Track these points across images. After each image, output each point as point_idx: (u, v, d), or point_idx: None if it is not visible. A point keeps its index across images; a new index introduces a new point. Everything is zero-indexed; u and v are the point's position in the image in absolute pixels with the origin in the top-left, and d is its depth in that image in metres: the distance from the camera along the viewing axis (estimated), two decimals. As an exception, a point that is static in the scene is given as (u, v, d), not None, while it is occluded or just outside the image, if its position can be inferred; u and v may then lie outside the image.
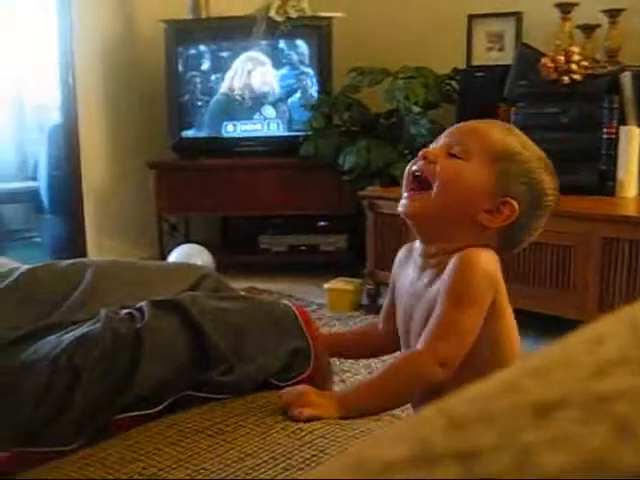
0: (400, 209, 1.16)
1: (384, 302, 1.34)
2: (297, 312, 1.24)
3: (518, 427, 0.22)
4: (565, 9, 3.09)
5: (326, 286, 3.22)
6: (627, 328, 0.28)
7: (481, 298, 1.07)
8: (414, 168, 1.15)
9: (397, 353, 1.25)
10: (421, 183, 1.14)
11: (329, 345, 1.30)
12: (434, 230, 1.15)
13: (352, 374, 2.42)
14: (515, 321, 1.17)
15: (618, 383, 0.22)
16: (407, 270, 1.22)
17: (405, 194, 1.16)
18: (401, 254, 1.28)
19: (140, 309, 1.18)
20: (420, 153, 1.15)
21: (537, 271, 2.66)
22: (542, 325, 2.82)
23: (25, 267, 1.46)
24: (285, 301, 1.29)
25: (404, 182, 1.18)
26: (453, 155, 1.12)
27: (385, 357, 1.51)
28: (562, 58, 2.84)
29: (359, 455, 0.23)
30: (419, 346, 1.07)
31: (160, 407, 1.06)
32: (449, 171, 1.12)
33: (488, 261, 1.10)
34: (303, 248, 3.78)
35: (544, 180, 1.14)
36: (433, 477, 0.21)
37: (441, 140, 1.16)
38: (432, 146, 1.18)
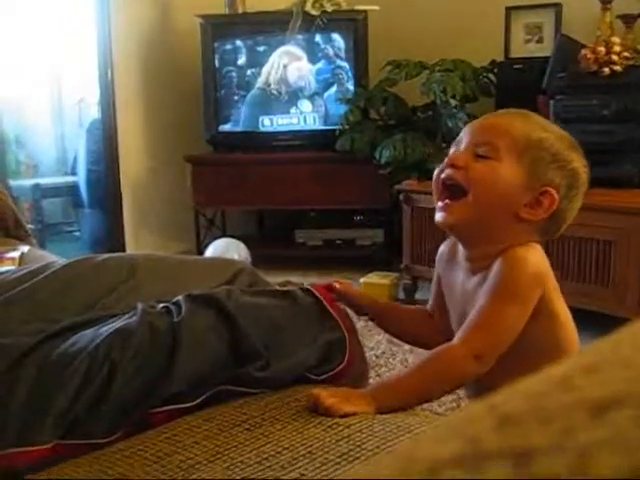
0: (438, 220, 1.13)
1: (431, 297, 1.30)
2: (326, 302, 1.23)
3: (574, 427, 0.21)
4: (605, -1, 3.03)
5: (362, 280, 3.21)
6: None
7: (526, 296, 1.05)
8: (443, 176, 1.11)
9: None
10: (455, 191, 1.10)
11: (376, 309, 1.31)
12: (477, 236, 1.12)
13: (388, 369, 2.41)
14: (573, 322, 1.15)
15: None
16: (456, 272, 1.19)
17: (440, 204, 1.13)
18: (444, 250, 1.25)
19: (177, 303, 1.19)
20: (447, 160, 1.11)
21: (577, 266, 2.63)
22: (582, 320, 2.78)
23: (64, 261, 1.48)
24: (309, 287, 1.28)
25: (435, 191, 1.14)
26: (481, 156, 1.09)
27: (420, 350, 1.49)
28: (602, 49, 2.79)
29: (408, 454, 0.23)
30: (455, 340, 1.06)
31: (197, 401, 1.07)
32: (483, 174, 1.08)
33: (536, 259, 1.08)
34: (339, 242, 3.78)
35: (574, 159, 1.12)
36: (485, 477, 0.20)
37: (464, 142, 1.12)
38: (453, 149, 1.14)
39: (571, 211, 1.14)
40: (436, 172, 1.14)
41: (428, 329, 1.27)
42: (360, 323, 2.80)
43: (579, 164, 1.13)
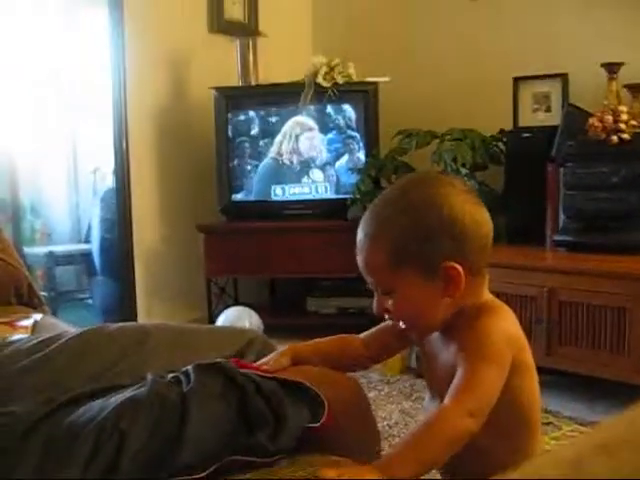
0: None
1: (375, 333, 1.38)
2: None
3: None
4: (611, 69, 3.08)
5: (374, 348, 3.19)
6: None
7: (501, 357, 1.09)
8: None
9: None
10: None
11: (307, 355, 1.34)
12: (437, 329, 1.20)
13: (401, 439, 2.37)
14: (536, 378, 1.19)
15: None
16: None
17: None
18: None
19: (186, 373, 1.18)
20: (374, 307, 1.20)
21: (591, 333, 2.60)
22: (598, 389, 2.74)
23: (77, 330, 1.49)
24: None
25: None
26: (384, 293, 1.16)
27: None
28: (610, 118, 2.83)
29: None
30: (446, 402, 1.07)
31: (206, 472, 1.05)
32: (400, 312, 1.17)
33: (503, 322, 1.14)
34: (352, 311, 3.77)
35: (435, 213, 1.11)
36: None
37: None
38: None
39: (474, 246, 1.13)
40: (375, 310, 1.22)
41: (356, 356, 1.37)
42: (372, 393, 2.77)
43: (440, 206, 1.11)
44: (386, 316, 1.20)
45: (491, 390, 1.07)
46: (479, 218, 1.14)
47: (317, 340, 1.41)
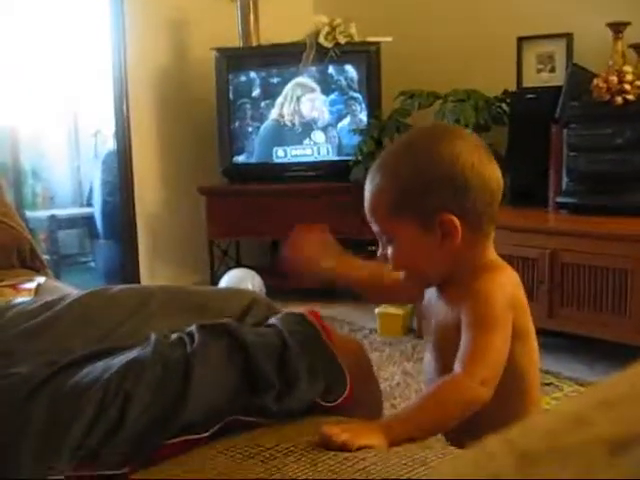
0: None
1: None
2: (322, 331, 1.23)
3: (593, 466, 0.21)
4: (617, 29, 3.04)
5: (377, 310, 3.20)
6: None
7: (504, 321, 1.09)
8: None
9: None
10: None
11: (345, 277, 1.35)
12: (437, 283, 1.20)
13: (403, 400, 2.39)
14: (535, 339, 1.19)
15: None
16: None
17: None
18: None
19: (190, 333, 1.19)
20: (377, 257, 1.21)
21: (592, 295, 2.61)
22: (598, 350, 2.76)
23: (81, 292, 1.49)
24: (311, 321, 1.28)
25: None
26: (386, 240, 1.17)
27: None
28: (615, 78, 2.80)
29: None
30: (457, 370, 1.07)
31: (210, 431, 1.06)
32: (399, 261, 1.16)
33: (505, 285, 1.13)
34: (353, 272, 3.77)
35: (436, 162, 1.11)
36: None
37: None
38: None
39: (477, 199, 1.11)
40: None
41: (387, 289, 1.35)
42: (375, 354, 2.79)
43: (442, 155, 1.10)
44: (389, 265, 1.20)
45: (500, 356, 1.08)
46: (486, 174, 1.11)
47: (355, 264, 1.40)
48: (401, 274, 1.20)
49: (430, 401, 1.07)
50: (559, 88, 3.10)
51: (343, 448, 0.99)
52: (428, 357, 1.27)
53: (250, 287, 3.38)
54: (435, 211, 1.10)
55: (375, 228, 1.18)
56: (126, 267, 4.04)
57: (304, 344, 1.20)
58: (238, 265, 3.99)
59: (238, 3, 3.91)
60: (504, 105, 3.43)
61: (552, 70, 3.39)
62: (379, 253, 1.20)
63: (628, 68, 2.84)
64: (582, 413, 0.24)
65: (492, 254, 1.18)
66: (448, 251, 1.12)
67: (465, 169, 1.09)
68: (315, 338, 1.22)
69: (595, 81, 2.86)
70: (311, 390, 1.14)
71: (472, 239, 1.13)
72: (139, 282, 3.86)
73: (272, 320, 1.30)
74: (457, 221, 1.10)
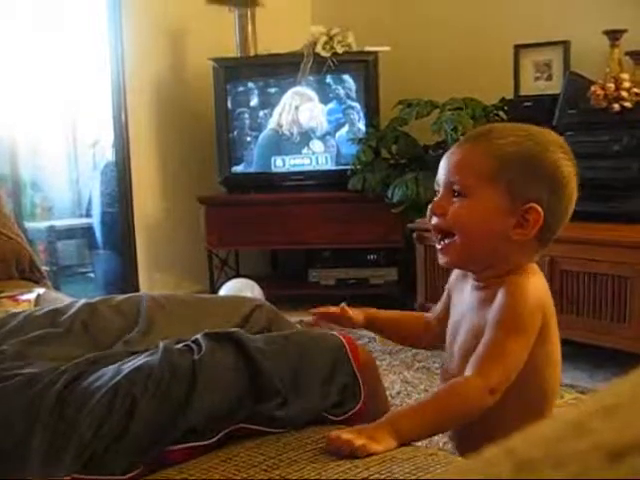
0: (439, 262, 1.19)
1: (437, 308, 1.35)
2: (346, 344, 1.24)
3: (591, 473, 0.21)
4: (613, 36, 3.05)
5: (376, 319, 3.20)
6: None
7: (531, 326, 1.08)
8: (432, 223, 1.16)
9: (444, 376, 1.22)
10: (445, 234, 1.15)
11: (372, 322, 1.33)
12: (477, 265, 1.17)
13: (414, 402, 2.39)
14: (559, 345, 1.18)
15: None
16: (465, 285, 1.23)
17: (437, 247, 1.18)
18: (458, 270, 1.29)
19: (196, 341, 1.19)
20: (430, 207, 1.16)
21: (592, 302, 2.61)
22: (598, 358, 2.76)
23: (83, 301, 1.49)
24: (333, 332, 1.29)
25: (432, 233, 1.19)
26: (458, 194, 1.12)
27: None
28: (612, 85, 2.81)
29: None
30: (468, 372, 1.07)
31: (214, 439, 1.07)
32: (462, 216, 1.12)
33: (536, 287, 1.12)
34: (353, 281, 3.78)
35: (550, 160, 1.12)
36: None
37: (441, 181, 1.16)
38: (436, 187, 1.18)
39: (561, 212, 1.15)
40: (428, 214, 1.18)
41: (421, 334, 1.35)
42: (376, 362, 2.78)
43: (558, 163, 1.13)
44: (434, 219, 1.15)
45: (516, 363, 1.07)
46: (573, 193, 1.16)
47: (390, 311, 1.40)
48: (444, 241, 1.16)
49: (438, 401, 1.07)
50: (556, 96, 3.11)
51: (358, 453, 0.99)
52: (451, 363, 1.23)
53: (250, 296, 3.37)
54: (529, 199, 1.10)
55: (449, 177, 1.14)
56: (125, 277, 4.04)
57: (325, 357, 1.20)
58: (237, 275, 4.00)
59: (236, 13, 3.93)
60: (502, 113, 3.44)
61: (549, 78, 3.41)
62: (432, 205, 1.16)
63: (625, 75, 2.85)
64: (582, 421, 0.24)
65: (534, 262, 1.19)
66: (513, 239, 1.11)
67: (567, 180, 1.13)
68: (339, 353, 1.22)
69: (592, 88, 2.87)
70: (320, 402, 1.14)
71: (535, 241, 1.13)
72: (138, 292, 3.86)
73: (293, 331, 1.30)
74: (541, 218, 1.10)
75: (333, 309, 1.32)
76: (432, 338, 1.33)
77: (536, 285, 1.12)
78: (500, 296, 1.10)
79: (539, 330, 1.09)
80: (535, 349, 1.09)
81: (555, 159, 1.12)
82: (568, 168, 1.14)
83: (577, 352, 2.82)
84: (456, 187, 1.12)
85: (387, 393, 2.49)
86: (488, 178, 1.11)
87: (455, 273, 1.30)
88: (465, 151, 1.14)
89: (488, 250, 1.14)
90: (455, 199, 1.13)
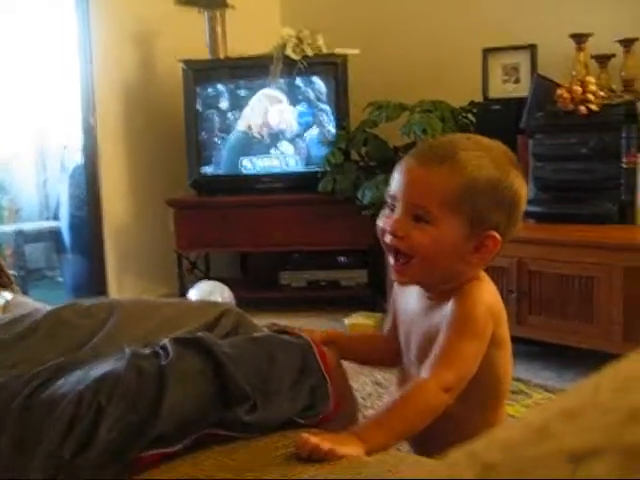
0: (393, 279, 1.20)
1: (388, 322, 1.38)
2: (314, 346, 1.24)
3: (553, 477, 0.21)
4: (580, 40, 3.09)
5: (347, 321, 3.21)
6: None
7: (482, 330, 1.12)
8: (388, 242, 1.15)
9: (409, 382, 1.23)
10: (402, 255, 1.15)
11: (346, 350, 1.36)
12: (431, 284, 1.19)
13: (375, 410, 2.39)
14: (510, 347, 1.21)
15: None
16: (410, 292, 1.25)
17: (391, 264, 1.17)
18: None
19: (164, 347, 1.18)
20: (385, 225, 1.15)
21: (560, 303, 2.64)
22: (566, 357, 2.79)
23: (49, 307, 1.48)
24: (303, 335, 1.29)
25: (384, 247, 1.18)
26: (419, 218, 1.12)
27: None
28: (578, 88, 2.84)
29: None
30: (424, 374, 1.10)
31: (183, 444, 1.06)
32: (423, 242, 1.12)
33: (489, 294, 1.16)
34: (323, 283, 3.78)
35: (510, 186, 1.13)
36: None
37: (399, 201, 1.14)
38: (389, 200, 1.16)
39: (514, 232, 1.18)
40: (380, 229, 1.17)
41: (383, 352, 1.38)
42: (345, 364, 2.79)
43: (518, 186, 1.14)
44: (390, 238, 1.15)
45: (470, 365, 1.10)
46: (523, 211, 1.18)
47: (350, 334, 1.47)
48: (391, 259, 1.16)
49: (399, 406, 1.09)
50: (524, 98, 3.14)
51: (327, 457, 0.99)
52: (406, 369, 1.27)
53: (219, 299, 3.36)
54: (489, 226, 1.13)
55: (410, 200, 1.12)
56: (94, 281, 4.00)
57: (293, 359, 1.20)
58: (207, 277, 3.98)
59: (206, 15, 3.91)
60: (470, 115, 3.47)
61: (517, 81, 3.44)
62: (385, 217, 1.16)
63: (591, 78, 2.89)
64: (545, 424, 0.24)
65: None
66: (471, 261, 1.15)
67: (521, 203, 1.16)
68: (308, 355, 1.22)
69: (559, 91, 2.90)
70: (290, 405, 1.14)
71: (489, 258, 1.16)
72: (107, 296, 3.82)
73: (261, 334, 1.30)
74: (500, 243, 1.13)
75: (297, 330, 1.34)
76: (395, 354, 1.34)
77: (487, 291, 1.16)
78: (452, 302, 1.13)
79: (491, 333, 1.13)
80: (489, 351, 1.13)
81: (514, 184, 1.14)
82: (522, 189, 1.16)
83: (546, 352, 2.85)
84: (419, 212, 1.12)
85: (358, 395, 2.49)
86: (453, 206, 1.11)
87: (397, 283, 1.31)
88: (429, 175, 1.12)
89: (445, 271, 1.16)
90: (416, 223, 1.12)
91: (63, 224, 4.67)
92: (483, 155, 1.13)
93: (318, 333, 1.35)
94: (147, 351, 1.18)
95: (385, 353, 1.37)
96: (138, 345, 1.21)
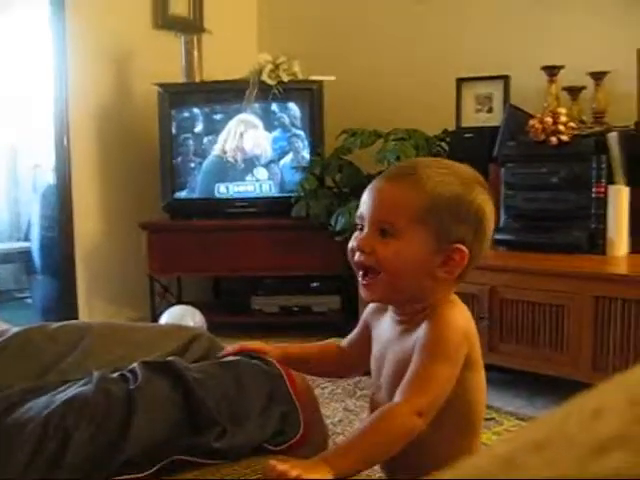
0: (362, 296, 1.20)
1: (352, 336, 1.37)
2: (284, 373, 1.23)
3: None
4: (551, 72, 3.15)
5: (319, 347, 3.19)
6: (624, 402, 0.28)
7: (455, 353, 1.11)
8: (356, 259, 1.17)
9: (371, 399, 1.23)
10: (370, 271, 1.16)
11: (287, 358, 1.33)
12: (401, 299, 1.20)
13: (345, 437, 2.38)
14: (484, 371, 1.21)
15: (617, 463, 0.22)
16: (383, 318, 1.26)
17: (360, 281, 1.19)
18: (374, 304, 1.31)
19: (132, 371, 1.17)
20: (354, 244, 1.17)
21: (530, 330, 2.66)
22: (537, 385, 2.80)
23: (17, 329, 1.46)
24: (271, 360, 1.29)
25: (353, 267, 1.20)
26: (385, 233, 1.14)
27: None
28: (549, 119, 2.88)
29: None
30: (397, 399, 1.09)
31: (151, 470, 1.05)
32: (390, 256, 1.13)
33: (461, 318, 1.16)
34: (295, 309, 3.77)
35: (475, 201, 1.15)
36: None
37: (366, 218, 1.16)
38: (358, 219, 1.19)
39: (482, 249, 1.19)
40: (350, 249, 1.19)
41: (336, 363, 1.37)
42: (317, 390, 2.78)
43: (481, 201, 1.16)
44: (358, 256, 1.16)
45: (442, 389, 1.09)
46: (491, 230, 1.19)
47: (304, 344, 1.43)
48: (360, 276, 1.18)
49: (369, 431, 1.08)
50: (496, 128, 3.18)
51: None
52: (374, 388, 1.26)
53: (191, 324, 3.34)
54: (455, 239, 1.14)
55: (376, 216, 1.14)
56: (64, 303, 3.95)
57: (262, 385, 1.19)
58: (179, 302, 3.95)
59: (182, 39, 3.92)
60: (444, 144, 3.50)
61: (490, 110, 3.48)
62: (358, 240, 1.17)
63: (562, 110, 2.94)
64: (512, 455, 0.25)
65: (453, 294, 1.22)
66: (439, 276, 1.15)
67: (486, 219, 1.16)
68: (277, 382, 1.21)
69: (531, 122, 2.94)
70: (259, 432, 1.13)
71: (458, 276, 1.17)
72: (77, 319, 3.78)
73: (231, 358, 1.29)
74: (467, 257, 1.14)
75: (252, 344, 1.34)
76: (350, 367, 1.37)
77: (460, 314, 1.16)
78: (425, 326, 1.13)
79: (465, 357, 1.13)
80: (463, 375, 1.13)
81: (479, 199, 1.16)
82: (489, 207, 1.18)
83: (517, 380, 2.86)
84: (386, 227, 1.14)
85: (329, 421, 2.48)
86: (418, 220, 1.13)
87: (371, 306, 1.31)
88: (394, 190, 1.15)
89: (413, 286, 1.16)
90: (383, 239, 1.14)
91: (34, 245, 4.62)
92: (448, 172, 1.16)
93: (273, 350, 1.33)
94: (115, 375, 1.17)
95: (340, 365, 1.37)
96: (107, 369, 1.20)
